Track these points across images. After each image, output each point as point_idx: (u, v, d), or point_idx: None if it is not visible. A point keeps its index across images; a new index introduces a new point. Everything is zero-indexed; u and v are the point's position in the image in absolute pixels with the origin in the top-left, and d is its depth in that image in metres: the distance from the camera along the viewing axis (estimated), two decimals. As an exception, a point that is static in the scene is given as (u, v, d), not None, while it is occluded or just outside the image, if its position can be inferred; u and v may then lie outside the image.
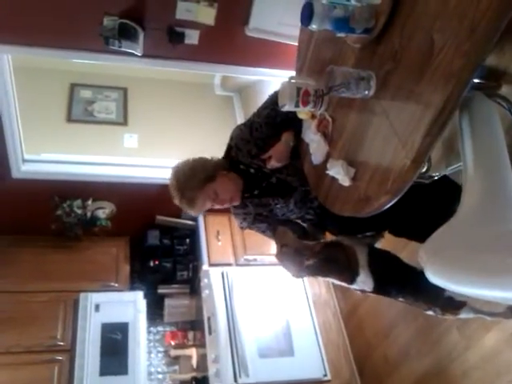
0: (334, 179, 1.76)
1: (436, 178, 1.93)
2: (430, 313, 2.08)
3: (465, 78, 1.18)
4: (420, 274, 1.78)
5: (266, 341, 3.53)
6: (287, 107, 1.76)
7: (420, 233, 1.69)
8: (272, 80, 3.57)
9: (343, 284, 2.04)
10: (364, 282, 1.97)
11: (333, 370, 3.54)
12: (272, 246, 3.85)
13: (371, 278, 1.95)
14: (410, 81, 1.35)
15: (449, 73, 1.20)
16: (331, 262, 2.01)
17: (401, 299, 2.05)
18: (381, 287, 2.00)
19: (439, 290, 1.93)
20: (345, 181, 1.68)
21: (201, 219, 4.24)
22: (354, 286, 2.01)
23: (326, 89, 1.59)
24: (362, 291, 2.04)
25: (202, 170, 2.12)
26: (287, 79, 1.81)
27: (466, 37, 1.16)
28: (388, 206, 1.51)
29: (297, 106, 1.75)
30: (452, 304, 2.00)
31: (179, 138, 4.71)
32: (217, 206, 2.17)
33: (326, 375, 3.47)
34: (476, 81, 1.84)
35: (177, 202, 2.14)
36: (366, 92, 1.53)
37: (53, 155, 4.07)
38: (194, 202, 2.10)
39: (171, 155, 4.39)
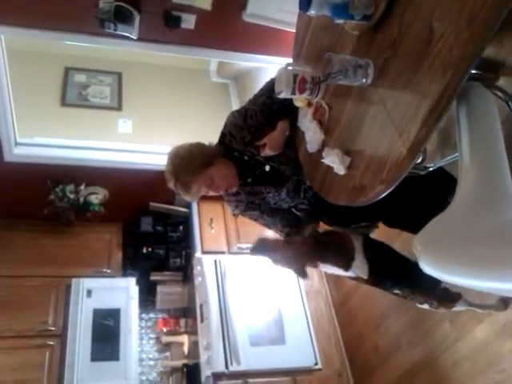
0: (329, 168, 1.75)
1: (431, 169, 1.93)
2: (426, 306, 2.06)
3: (464, 67, 1.17)
4: (415, 265, 1.78)
5: (257, 329, 3.54)
6: (283, 94, 1.74)
7: (413, 224, 1.68)
8: (268, 67, 3.54)
9: (340, 272, 2.02)
10: (359, 267, 1.95)
11: (324, 359, 3.56)
12: (265, 233, 3.89)
13: (366, 264, 1.94)
14: (409, 69, 1.34)
15: (448, 62, 1.19)
16: (327, 245, 2.00)
17: (396, 291, 2.03)
18: (376, 276, 1.98)
19: (435, 282, 1.92)
20: (340, 170, 1.67)
21: (194, 206, 4.23)
22: (349, 273, 1.99)
23: (323, 76, 1.57)
24: (358, 279, 2.02)
25: (199, 155, 2.10)
26: (284, 66, 1.79)
27: (465, 25, 1.15)
28: (383, 195, 1.50)
29: (293, 93, 1.74)
30: (448, 296, 2.00)
31: (174, 125, 4.68)
32: (211, 193, 2.14)
33: (316, 364, 3.49)
34: (474, 72, 1.83)
35: (171, 186, 2.12)
36: (364, 80, 1.52)
37: (46, 139, 4.02)
38: (189, 187, 2.08)
39: (165, 141, 4.38)
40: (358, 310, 3.66)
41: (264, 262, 2.05)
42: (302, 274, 2.01)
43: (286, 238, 2.16)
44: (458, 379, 2.67)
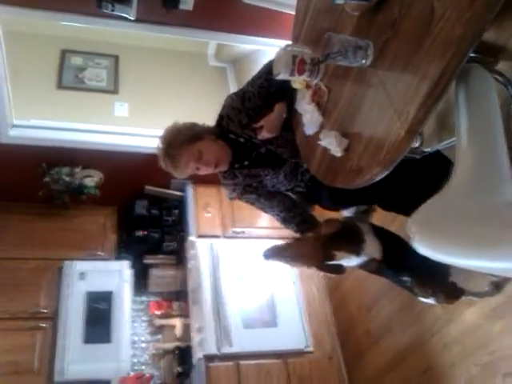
0: (326, 150, 1.75)
1: (427, 153, 1.93)
2: (431, 300, 2.04)
3: (464, 47, 1.16)
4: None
5: (250, 312, 3.56)
6: (282, 75, 1.73)
7: (409, 207, 1.69)
8: (267, 50, 3.51)
9: (353, 263, 1.96)
10: (371, 246, 1.91)
11: (315, 342, 3.59)
12: (261, 219, 3.91)
13: (378, 243, 1.90)
14: (409, 50, 1.34)
15: (448, 41, 1.19)
16: (336, 234, 1.95)
17: (406, 278, 1.97)
18: (389, 258, 1.92)
19: (444, 274, 1.92)
20: (337, 152, 1.67)
21: (190, 190, 4.22)
22: (362, 258, 1.93)
23: (322, 56, 1.56)
24: (370, 266, 1.96)
25: (188, 130, 2.11)
26: (283, 47, 1.78)
27: (467, 5, 1.15)
28: (380, 177, 1.50)
29: (292, 74, 1.73)
30: (455, 291, 1.99)
31: (170, 108, 4.62)
32: (202, 170, 2.13)
33: (308, 346, 3.52)
34: (473, 55, 1.83)
35: (161, 162, 2.11)
36: (364, 61, 1.52)
37: (42, 121, 3.99)
38: (177, 161, 2.07)
39: (162, 125, 4.37)
40: (350, 294, 3.69)
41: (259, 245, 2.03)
42: (330, 269, 1.95)
43: (301, 236, 2.14)
44: (447, 361, 2.71)
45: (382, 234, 1.96)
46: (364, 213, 2.20)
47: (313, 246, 1.96)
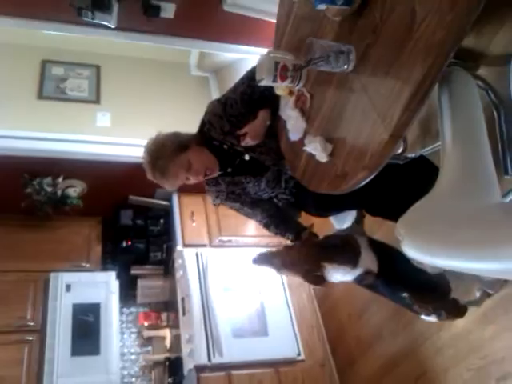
0: (311, 156, 1.74)
1: (410, 159, 1.93)
2: (433, 318, 2.01)
3: (446, 50, 1.16)
4: (425, 272, 1.77)
5: (240, 321, 3.53)
6: (265, 82, 1.72)
7: (396, 212, 1.68)
8: (249, 58, 3.51)
9: (347, 277, 1.92)
10: (368, 259, 1.87)
11: (306, 350, 3.57)
12: (248, 227, 3.89)
13: (374, 256, 1.86)
14: (391, 54, 1.33)
15: (430, 44, 1.18)
16: (330, 246, 1.94)
17: (405, 294, 1.94)
18: (386, 272, 1.88)
19: (446, 291, 1.91)
20: (322, 157, 1.67)
21: (175, 199, 4.20)
22: (357, 271, 1.89)
23: (304, 62, 1.55)
24: (365, 281, 1.93)
25: (174, 139, 2.08)
26: (266, 53, 1.77)
27: (448, 9, 1.14)
28: (365, 182, 1.49)
29: (274, 80, 1.72)
30: (458, 307, 1.96)
31: (153, 118, 4.60)
32: (192, 180, 2.11)
33: (299, 355, 3.50)
34: (454, 61, 1.84)
35: (149, 175, 2.08)
36: (346, 66, 1.51)
37: (23, 132, 3.93)
38: (166, 172, 2.04)
39: (145, 135, 4.34)
40: (340, 302, 3.68)
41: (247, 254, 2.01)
42: (313, 279, 1.93)
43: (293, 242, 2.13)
44: (440, 366, 2.70)
45: (378, 247, 1.91)
46: (358, 223, 2.17)
47: (301, 255, 1.93)
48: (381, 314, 3.25)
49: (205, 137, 2.16)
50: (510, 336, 2.27)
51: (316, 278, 1.92)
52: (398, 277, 1.94)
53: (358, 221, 2.16)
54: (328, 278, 1.91)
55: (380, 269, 1.87)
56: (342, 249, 1.91)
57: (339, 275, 1.92)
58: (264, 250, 2.05)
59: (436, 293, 1.94)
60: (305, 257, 1.92)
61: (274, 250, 2.02)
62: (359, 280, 1.92)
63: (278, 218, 2.29)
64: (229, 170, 2.19)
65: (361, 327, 3.47)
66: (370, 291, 2.07)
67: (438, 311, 1.98)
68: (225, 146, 2.17)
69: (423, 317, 2.06)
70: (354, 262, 1.87)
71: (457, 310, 1.98)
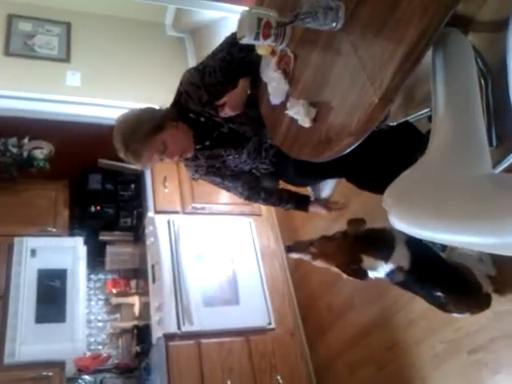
0: (292, 120, 1.66)
1: (393, 126, 1.87)
2: (465, 315, 2.02)
3: (445, 6, 1.08)
4: (458, 270, 1.78)
5: (211, 289, 3.49)
6: (246, 39, 1.62)
7: (383, 184, 1.62)
8: (229, 17, 3.35)
9: (379, 273, 1.87)
10: (400, 255, 1.81)
11: (277, 319, 3.55)
12: (222, 195, 3.81)
13: (408, 252, 1.80)
14: (384, 11, 1.25)
15: (427, 1, 1.10)
16: (367, 236, 1.89)
17: (439, 293, 1.89)
18: (418, 269, 1.84)
19: (478, 287, 1.89)
20: (305, 122, 1.59)
21: (147, 164, 4.07)
22: (389, 265, 1.84)
23: (290, 17, 1.45)
24: (396, 277, 1.87)
25: (148, 120, 1.97)
26: (248, 8, 1.66)
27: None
28: (350, 148, 1.42)
29: (256, 38, 1.61)
30: (487, 301, 1.95)
31: (126, 79, 4.43)
32: (167, 160, 2.03)
33: (270, 323, 3.48)
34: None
35: (122, 155, 1.98)
36: (334, 24, 1.42)
37: (-15, 89, 3.74)
38: (140, 156, 1.95)
39: (117, 96, 4.17)
40: (313, 271, 3.65)
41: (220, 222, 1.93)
42: (353, 272, 1.88)
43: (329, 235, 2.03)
44: (412, 338, 2.71)
45: (414, 244, 1.85)
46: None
47: (339, 246, 1.89)
48: (353, 283, 3.21)
49: (182, 108, 2.05)
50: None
51: (355, 271, 1.88)
52: (433, 277, 1.89)
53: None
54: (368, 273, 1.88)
55: (412, 266, 1.82)
56: (378, 239, 1.87)
57: (370, 270, 1.88)
58: (301, 239, 2.02)
59: (471, 292, 1.92)
60: (344, 248, 1.88)
61: (309, 239, 1.98)
62: (390, 276, 1.87)
63: (259, 190, 2.25)
64: (207, 143, 2.11)
65: (333, 296, 3.45)
66: (404, 290, 2.04)
67: (472, 309, 1.98)
68: (202, 119, 2.07)
69: (455, 315, 2.06)
70: (387, 255, 1.82)
71: (487, 303, 1.96)
